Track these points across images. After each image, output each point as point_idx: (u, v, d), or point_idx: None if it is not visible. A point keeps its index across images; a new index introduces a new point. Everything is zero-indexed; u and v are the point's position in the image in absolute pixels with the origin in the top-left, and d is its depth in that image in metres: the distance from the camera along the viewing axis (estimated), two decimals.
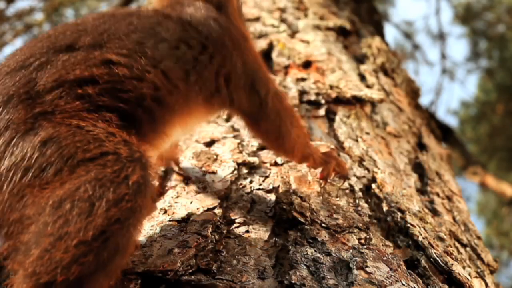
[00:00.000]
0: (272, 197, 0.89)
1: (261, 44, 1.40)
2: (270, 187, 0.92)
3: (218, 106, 0.80)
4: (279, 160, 0.99)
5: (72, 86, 0.64)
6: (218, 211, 0.83)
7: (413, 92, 1.63)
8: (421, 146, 1.35)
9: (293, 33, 1.51)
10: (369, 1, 2.45)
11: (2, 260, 0.57)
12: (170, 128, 0.73)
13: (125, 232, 0.55)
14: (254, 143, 1.03)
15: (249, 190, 0.91)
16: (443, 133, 3.10)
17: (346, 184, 0.95)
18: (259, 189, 0.91)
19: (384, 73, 1.54)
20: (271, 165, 0.98)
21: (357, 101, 1.23)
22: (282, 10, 1.68)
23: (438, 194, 1.13)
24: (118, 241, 0.54)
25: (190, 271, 0.71)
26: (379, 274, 0.74)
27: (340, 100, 1.22)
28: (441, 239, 0.89)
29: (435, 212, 1.05)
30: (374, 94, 1.23)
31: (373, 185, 0.99)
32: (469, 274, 0.87)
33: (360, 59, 1.55)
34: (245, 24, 0.92)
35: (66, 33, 0.70)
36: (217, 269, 0.72)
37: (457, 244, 0.98)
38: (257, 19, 1.57)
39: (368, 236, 0.83)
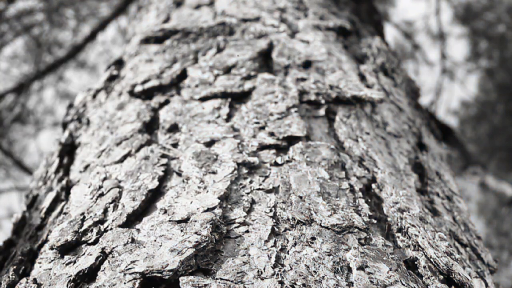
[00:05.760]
0: (272, 197, 0.89)
1: (261, 44, 1.40)
2: (270, 187, 0.92)
3: None
4: (279, 160, 0.99)
5: None
6: (218, 211, 0.83)
7: (413, 92, 1.63)
8: (421, 146, 1.35)
9: (293, 33, 1.51)
10: (369, 1, 2.45)
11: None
12: None
13: None
14: (254, 143, 1.03)
15: (249, 190, 0.91)
16: (443, 133, 3.10)
17: (346, 184, 0.95)
18: (259, 189, 0.91)
19: (384, 73, 1.54)
20: (271, 165, 0.98)
21: (357, 101, 1.23)
22: (282, 10, 1.67)
23: (438, 194, 1.13)
24: None
25: (190, 271, 0.71)
26: (379, 274, 0.74)
27: (340, 100, 1.22)
28: (441, 239, 0.89)
29: (435, 212, 1.05)
30: (374, 94, 1.23)
31: (373, 185, 0.99)
32: (469, 274, 0.87)
33: (360, 59, 1.55)
34: None
35: None
36: (217, 269, 0.72)
37: (457, 244, 0.98)
38: (257, 19, 1.57)
39: (368, 236, 0.83)
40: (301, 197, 0.89)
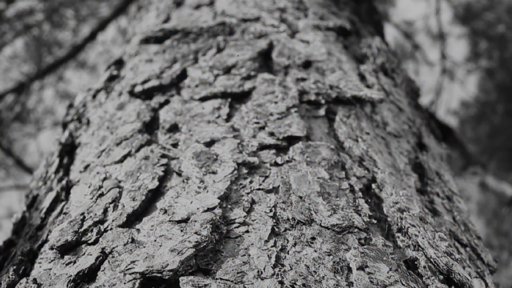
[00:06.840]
0: (272, 197, 0.89)
1: (261, 44, 1.40)
2: (270, 187, 0.92)
3: None
4: (279, 160, 0.99)
5: None
6: (218, 211, 0.83)
7: (413, 92, 1.63)
8: (421, 146, 1.35)
9: (293, 33, 1.51)
10: (369, 1, 2.45)
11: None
12: None
13: None
14: (254, 143, 1.03)
15: (249, 190, 0.91)
16: (443, 133, 3.10)
17: (346, 184, 0.95)
18: (259, 189, 0.91)
19: (384, 73, 1.54)
20: (271, 165, 0.98)
21: (357, 101, 1.23)
22: (282, 10, 1.67)
23: (438, 194, 1.13)
24: None
25: (190, 271, 0.71)
26: (379, 274, 0.74)
27: (340, 100, 1.22)
28: (441, 239, 0.89)
29: (435, 212, 1.05)
30: (374, 94, 1.23)
31: (373, 185, 0.99)
32: (469, 274, 0.87)
33: (360, 59, 1.55)
34: None
35: None
36: (217, 269, 0.72)
37: (457, 244, 0.98)
38: (257, 19, 1.57)
39: (368, 236, 0.83)
40: (301, 197, 0.89)
